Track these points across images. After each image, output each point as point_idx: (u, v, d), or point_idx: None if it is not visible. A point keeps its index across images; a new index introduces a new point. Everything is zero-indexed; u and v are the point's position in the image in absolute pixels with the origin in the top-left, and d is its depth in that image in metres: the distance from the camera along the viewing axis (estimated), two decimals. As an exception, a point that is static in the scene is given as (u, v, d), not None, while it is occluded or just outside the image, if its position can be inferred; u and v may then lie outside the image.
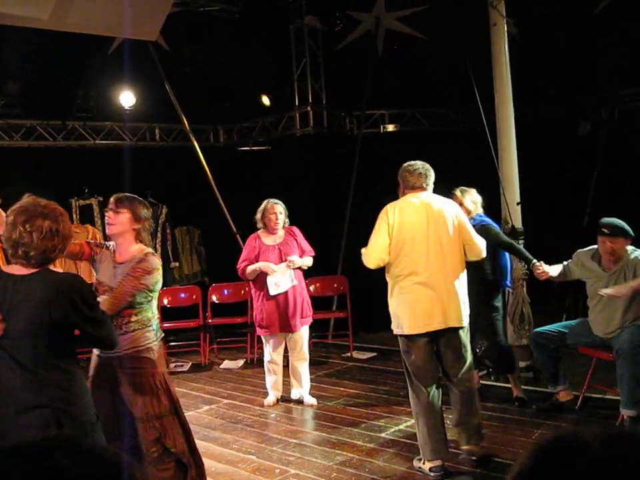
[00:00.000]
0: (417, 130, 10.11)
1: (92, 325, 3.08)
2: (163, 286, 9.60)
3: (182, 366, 8.37)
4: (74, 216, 9.53)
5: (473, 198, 5.92)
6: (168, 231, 10.06)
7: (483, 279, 5.72)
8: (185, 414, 6.26)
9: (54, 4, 7.25)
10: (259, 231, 6.54)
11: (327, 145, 9.74)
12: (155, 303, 4.08)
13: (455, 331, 4.62)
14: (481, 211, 5.94)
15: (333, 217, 9.45)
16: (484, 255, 4.78)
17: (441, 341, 4.65)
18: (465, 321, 4.66)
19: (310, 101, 9.69)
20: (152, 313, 4.05)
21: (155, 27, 8.45)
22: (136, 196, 4.14)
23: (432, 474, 4.58)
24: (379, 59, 9.51)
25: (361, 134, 9.77)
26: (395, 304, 4.67)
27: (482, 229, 5.43)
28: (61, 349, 3.04)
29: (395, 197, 4.86)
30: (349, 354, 8.40)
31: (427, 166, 4.84)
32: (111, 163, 9.58)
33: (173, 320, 8.71)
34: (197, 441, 5.46)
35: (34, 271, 3.01)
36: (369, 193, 8.24)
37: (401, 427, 5.64)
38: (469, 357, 4.72)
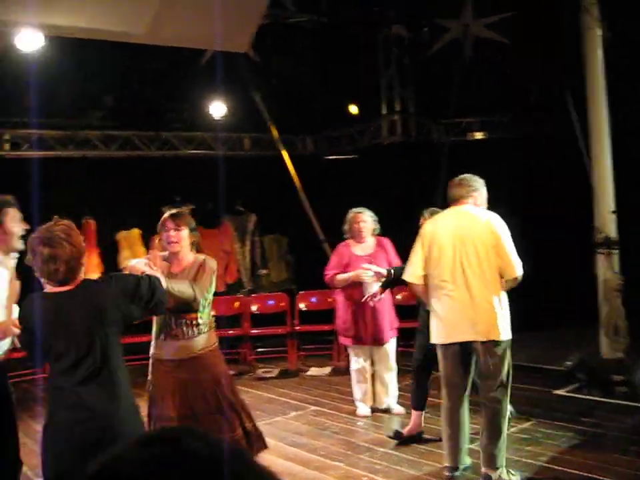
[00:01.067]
0: (505, 137, 9.97)
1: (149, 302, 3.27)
2: (251, 292, 9.82)
3: (270, 372, 8.49)
4: (166, 224, 9.80)
5: None
6: (257, 238, 10.24)
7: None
8: (273, 419, 6.44)
9: (150, 19, 7.52)
10: (348, 240, 6.54)
11: (414, 153, 9.72)
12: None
13: (485, 345, 4.51)
14: None
15: (419, 226, 9.41)
16: (516, 275, 4.47)
17: (474, 354, 4.59)
18: (495, 336, 4.47)
19: (397, 109, 9.70)
20: (211, 316, 4.40)
21: (245, 39, 8.64)
22: (182, 210, 4.42)
23: (445, 473, 4.73)
24: (467, 66, 9.44)
25: (448, 142, 9.71)
26: (431, 314, 4.76)
27: None
28: None
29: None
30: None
31: (470, 178, 4.77)
32: (202, 172, 9.83)
33: (261, 326, 8.85)
34: (285, 447, 5.58)
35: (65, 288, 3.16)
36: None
37: (490, 438, 5.56)
38: (503, 376, 4.52)
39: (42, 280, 3.21)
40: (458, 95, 9.47)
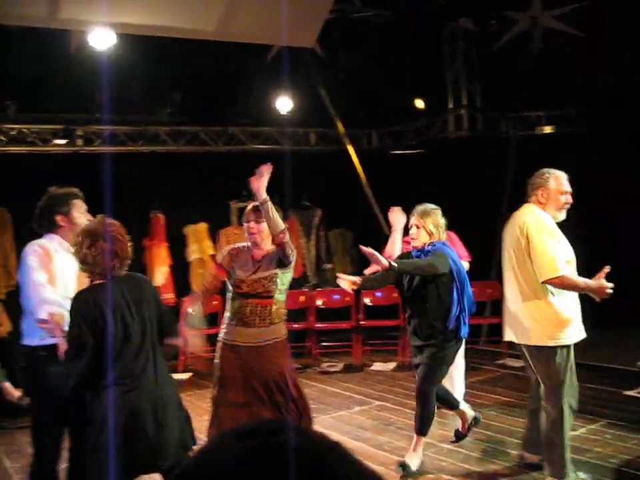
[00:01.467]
0: (575, 132, 9.74)
1: None
2: (316, 287, 9.85)
3: (334, 366, 8.53)
4: (233, 218, 9.94)
5: (435, 220, 5.09)
6: (322, 233, 10.28)
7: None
8: (337, 413, 6.47)
9: (218, 16, 7.62)
10: None
11: (481, 147, 9.60)
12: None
13: (528, 349, 4.44)
14: (444, 237, 5.14)
15: (486, 221, 9.29)
16: (542, 279, 4.24)
17: None
18: (535, 341, 4.35)
19: (464, 103, 9.60)
20: (283, 307, 4.46)
21: (312, 34, 8.68)
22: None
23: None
24: (536, 59, 9.27)
25: (516, 136, 9.56)
26: None
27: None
28: None
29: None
30: (502, 361, 8.23)
31: (536, 175, 4.65)
32: (268, 167, 9.89)
33: (326, 320, 8.91)
34: (349, 441, 5.60)
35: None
36: (525, 198, 8.03)
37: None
38: (551, 384, 4.34)
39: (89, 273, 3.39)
40: (526, 87, 9.31)
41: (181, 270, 9.53)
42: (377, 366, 8.42)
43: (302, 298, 9.12)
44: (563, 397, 4.34)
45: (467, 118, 9.60)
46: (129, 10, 7.31)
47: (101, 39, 7.43)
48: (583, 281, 4.32)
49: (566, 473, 4.34)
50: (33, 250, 3.98)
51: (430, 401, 4.99)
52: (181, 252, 9.40)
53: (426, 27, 9.77)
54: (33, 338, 3.96)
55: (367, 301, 8.86)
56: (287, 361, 4.44)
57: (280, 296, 4.38)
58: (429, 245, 5.02)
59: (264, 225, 4.36)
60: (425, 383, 4.99)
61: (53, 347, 3.84)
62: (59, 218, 4.08)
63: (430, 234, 5.05)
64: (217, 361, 4.42)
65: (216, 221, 9.78)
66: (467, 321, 5.04)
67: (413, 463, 4.97)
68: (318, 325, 8.83)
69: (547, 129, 9.91)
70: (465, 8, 9.51)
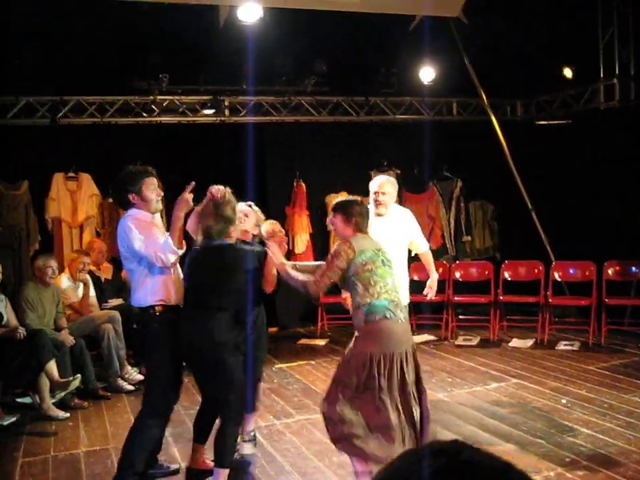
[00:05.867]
0: None
1: None
2: (455, 259, 9.77)
3: (470, 340, 8.49)
4: (373, 188, 10.00)
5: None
6: (462, 204, 10.17)
7: None
8: (473, 389, 6.46)
9: (363, -12, 7.63)
10: None
11: (633, 119, 9.11)
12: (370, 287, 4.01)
13: None
14: None
15: (633, 196, 8.86)
16: None
17: None
18: None
19: (617, 72, 9.12)
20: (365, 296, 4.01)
21: (457, 3, 8.53)
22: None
23: None
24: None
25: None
26: None
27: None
28: None
29: None
30: (647, 344, 7.87)
31: None
32: (410, 136, 9.91)
33: (463, 294, 8.85)
34: (484, 418, 5.61)
35: None
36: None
37: None
38: None
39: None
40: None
41: (320, 238, 9.72)
42: (514, 342, 8.30)
43: (440, 270, 9.08)
44: None
45: (619, 87, 9.12)
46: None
47: (249, 13, 7.61)
48: None
49: None
50: (127, 222, 4.18)
51: None
52: (321, 220, 9.58)
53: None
54: (141, 299, 4.26)
55: (506, 275, 8.72)
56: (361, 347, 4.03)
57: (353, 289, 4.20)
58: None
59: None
60: None
61: (159, 307, 4.21)
62: (131, 197, 4.29)
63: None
64: None
65: (356, 190, 9.85)
66: None
67: None
68: (456, 298, 8.79)
69: None
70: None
